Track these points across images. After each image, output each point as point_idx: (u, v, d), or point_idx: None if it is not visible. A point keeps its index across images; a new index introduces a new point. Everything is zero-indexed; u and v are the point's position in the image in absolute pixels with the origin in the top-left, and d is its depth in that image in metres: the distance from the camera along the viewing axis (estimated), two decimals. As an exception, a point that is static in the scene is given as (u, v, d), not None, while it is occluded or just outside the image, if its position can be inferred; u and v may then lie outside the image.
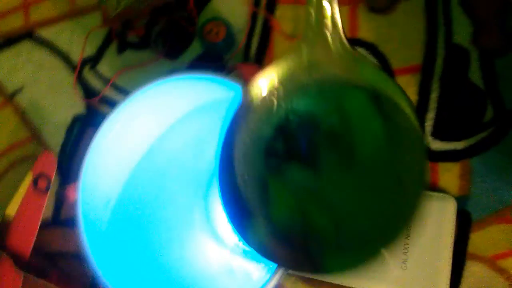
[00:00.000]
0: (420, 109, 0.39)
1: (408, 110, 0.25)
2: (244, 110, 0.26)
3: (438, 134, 0.38)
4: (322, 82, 0.26)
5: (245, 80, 0.42)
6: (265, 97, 0.26)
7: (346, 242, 0.27)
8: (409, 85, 0.40)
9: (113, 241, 0.29)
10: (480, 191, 0.37)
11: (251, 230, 0.25)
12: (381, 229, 0.26)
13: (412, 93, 0.39)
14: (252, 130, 0.26)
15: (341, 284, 0.38)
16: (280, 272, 0.27)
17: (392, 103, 0.25)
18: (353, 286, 0.37)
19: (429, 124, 0.39)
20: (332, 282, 0.38)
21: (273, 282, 0.25)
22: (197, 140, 0.34)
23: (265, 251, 0.25)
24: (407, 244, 0.36)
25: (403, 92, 0.25)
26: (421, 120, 0.39)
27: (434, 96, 0.39)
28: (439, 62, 0.39)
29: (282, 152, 0.26)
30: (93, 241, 0.28)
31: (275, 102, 0.26)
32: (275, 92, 0.26)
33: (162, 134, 0.30)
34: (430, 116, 0.39)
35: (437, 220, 0.36)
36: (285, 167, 0.26)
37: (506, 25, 0.38)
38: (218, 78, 0.26)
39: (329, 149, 0.26)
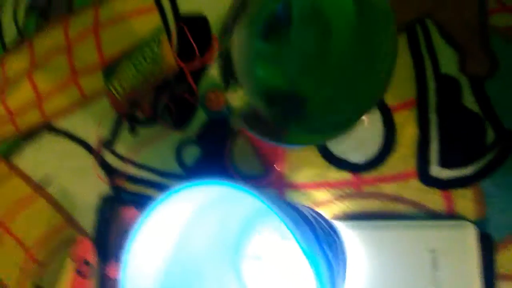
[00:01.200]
0: (423, 142, 0.40)
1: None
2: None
3: (445, 163, 0.39)
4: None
5: (252, 141, 0.44)
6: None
7: (318, 110, 0.30)
8: (408, 120, 0.41)
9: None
10: (497, 211, 0.37)
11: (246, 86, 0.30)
12: (351, 100, 0.31)
13: (412, 127, 0.40)
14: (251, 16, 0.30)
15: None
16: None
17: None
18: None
19: (434, 155, 0.40)
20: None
21: None
22: (220, 222, 0.36)
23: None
24: (437, 274, 0.37)
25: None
26: (426, 152, 0.40)
27: (433, 127, 0.40)
28: (432, 94, 0.40)
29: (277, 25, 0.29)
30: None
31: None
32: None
33: (189, 221, 0.32)
34: (434, 147, 0.40)
35: (461, 247, 0.37)
36: (279, 37, 0.29)
37: (487, 48, 0.39)
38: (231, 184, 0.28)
39: (310, 23, 0.28)
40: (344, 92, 0.31)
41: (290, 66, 0.29)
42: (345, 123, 0.33)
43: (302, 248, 0.24)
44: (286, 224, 0.25)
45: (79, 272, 0.48)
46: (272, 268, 0.39)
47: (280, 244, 0.39)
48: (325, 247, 0.29)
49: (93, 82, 0.53)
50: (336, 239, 0.36)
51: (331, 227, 0.37)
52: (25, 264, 0.54)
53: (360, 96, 0.32)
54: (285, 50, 0.28)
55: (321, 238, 0.30)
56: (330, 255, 0.30)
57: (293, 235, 0.25)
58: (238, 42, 0.30)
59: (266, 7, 0.29)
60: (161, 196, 0.29)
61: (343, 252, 0.37)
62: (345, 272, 0.36)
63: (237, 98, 0.32)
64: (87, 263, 0.48)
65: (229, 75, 0.32)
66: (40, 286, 0.52)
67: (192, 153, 0.48)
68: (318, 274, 0.24)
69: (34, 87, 0.56)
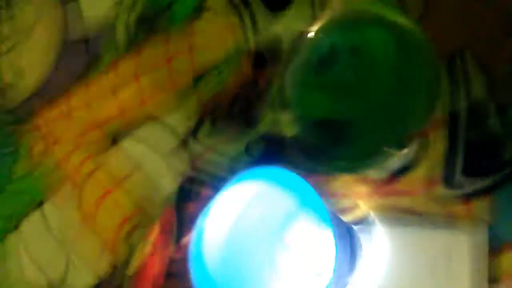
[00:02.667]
0: (451, 154, 0.47)
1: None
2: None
3: (467, 173, 0.46)
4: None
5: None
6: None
7: (361, 136, 0.36)
8: (438, 134, 0.48)
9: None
10: (507, 220, 0.44)
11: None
12: (392, 128, 0.37)
13: (441, 142, 0.48)
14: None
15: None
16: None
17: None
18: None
19: (459, 166, 0.47)
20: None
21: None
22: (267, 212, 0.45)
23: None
24: (450, 269, 0.44)
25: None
26: (453, 163, 0.47)
27: (461, 142, 0.47)
28: (463, 114, 0.47)
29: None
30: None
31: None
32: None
33: (249, 202, 0.42)
34: (459, 159, 0.47)
35: (472, 247, 0.44)
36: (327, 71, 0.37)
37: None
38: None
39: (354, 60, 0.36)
40: (385, 119, 0.38)
41: (336, 95, 0.37)
42: (384, 152, 0.40)
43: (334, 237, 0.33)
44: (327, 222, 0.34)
45: (149, 251, 0.59)
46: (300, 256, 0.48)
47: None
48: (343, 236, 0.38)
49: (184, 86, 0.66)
50: (349, 234, 0.44)
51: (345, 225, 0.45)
52: (105, 245, 0.65)
53: (401, 123, 0.39)
54: (331, 81, 0.37)
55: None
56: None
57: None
58: (292, 77, 0.39)
59: (316, 49, 0.38)
60: (231, 179, 0.39)
61: (354, 247, 0.44)
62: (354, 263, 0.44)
63: (288, 124, 0.42)
64: (156, 243, 0.59)
65: (282, 105, 0.41)
66: (115, 264, 0.63)
67: (259, 148, 0.58)
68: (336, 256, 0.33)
69: (139, 90, 0.70)
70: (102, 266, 0.64)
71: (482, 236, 0.43)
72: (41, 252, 0.70)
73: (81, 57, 0.77)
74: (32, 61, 0.82)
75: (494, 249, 0.44)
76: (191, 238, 0.39)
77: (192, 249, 0.39)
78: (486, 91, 0.47)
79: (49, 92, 0.79)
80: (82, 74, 0.76)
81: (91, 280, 0.65)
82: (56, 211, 0.71)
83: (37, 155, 0.76)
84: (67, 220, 0.69)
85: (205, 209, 0.39)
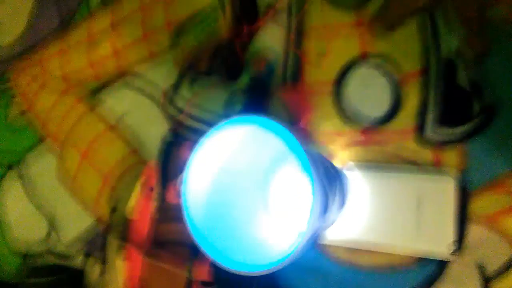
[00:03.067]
0: (423, 107, 0.49)
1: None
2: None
3: (438, 126, 0.48)
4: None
5: (284, 100, 0.54)
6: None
7: None
8: (413, 88, 0.49)
9: (206, 225, 0.43)
10: (475, 168, 0.46)
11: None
12: None
13: (416, 94, 0.49)
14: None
15: (371, 248, 0.49)
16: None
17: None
18: (380, 249, 0.49)
19: (430, 119, 0.48)
20: (364, 248, 0.49)
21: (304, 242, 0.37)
22: (255, 153, 0.47)
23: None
24: (419, 214, 0.47)
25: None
26: (424, 116, 0.49)
27: (432, 96, 0.49)
28: (433, 69, 0.49)
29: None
30: (193, 226, 0.42)
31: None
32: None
33: (232, 152, 0.43)
34: (431, 111, 0.48)
35: (442, 194, 0.46)
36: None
37: (484, 37, 0.47)
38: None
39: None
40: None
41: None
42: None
43: (306, 173, 0.35)
44: (297, 157, 0.36)
45: (145, 195, 0.61)
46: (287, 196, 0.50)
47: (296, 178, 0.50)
48: (323, 178, 0.40)
49: (163, 39, 0.65)
50: (337, 176, 0.46)
51: (335, 168, 0.47)
52: (102, 188, 0.68)
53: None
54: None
55: (322, 171, 0.40)
56: (326, 184, 0.40)
57: (301, 165, 0.35)
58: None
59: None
60: (211, 129, 0.40)
61: (342, 186, 0.47)
62: (343, 201, 0.46)
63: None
64: (151, 188, 0.61)
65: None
66: (113, 206, 0.67)
67: (239, 102, 0.59)
68: (313, 196, 0.35)
69: (113, 44, 0.69)
70: (101, 205, 0.67)
71: (452, 183, 0.46)
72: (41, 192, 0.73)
73: (54, 15, 0.75)
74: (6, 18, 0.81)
75: (464, 194, 0.46)
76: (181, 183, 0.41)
77: (181, 193, 0.41)
78: (462, 43, 0.48)
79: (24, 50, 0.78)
80: (56, 30, 0.75)
81: (90, 220, 0.68)
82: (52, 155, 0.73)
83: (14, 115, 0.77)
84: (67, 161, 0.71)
85: (193, 153, 0.40)
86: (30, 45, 0.78)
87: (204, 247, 0.40)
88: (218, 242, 0.42)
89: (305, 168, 0.35)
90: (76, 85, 0.72)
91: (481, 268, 0.45)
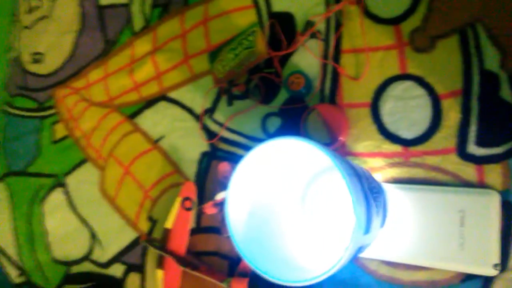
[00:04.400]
0: (464, 124, 0.48)
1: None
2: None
3: (480, 142, 0.47)
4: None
5: (323, 116, 0.54)
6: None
7: None
8: (453, 106, 0.49)
9: (247, 237, 0.43)
10: (520, 185, 0.45)
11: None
12: None
13: (456, 112, 0.49)
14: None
15: (413, 263, 0.48)
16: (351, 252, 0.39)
17: None
18: (423, 264, 0.48)
19: (472, 135, 0.48)
20: (406, 262, 0.49)
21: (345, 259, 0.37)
22: (295, 168, 0.48)
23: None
24: (463, 230, 0.46)
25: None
26: (466, 133, 0.48)
27: (474, 113, 0.48)
28: (476, 85, 0.48)
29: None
30: (237, 238, 0.42)
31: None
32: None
33: (273, 167, 0.44)
34: (473, 128, 0.48)
35: (486, 210, 0.45)
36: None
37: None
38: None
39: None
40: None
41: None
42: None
43: (349, 191, 0.35)
44: (341, 172, 0.36)
45: (183, 207, 0.62)
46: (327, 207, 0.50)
47: (335, 192, 0.50)
48: (368, 195, 0.40)
49: (201, 63, 0.67)
50: (381, 195, 0.46)
51: (376, 183, 0.47)
52: (142, 201, 0.70)
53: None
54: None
55: (367, 188, 0.40)
56: (372, 203, 0.40)
57: (345, 181, 0.36)
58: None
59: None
60: (250, 152, 0.41)
61: (384, 203, 0.47)
62: (385, 216, 0.46)
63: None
64: (190, 200, 0.62)
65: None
66: (152, 217, 0.68)
67: (274, 123, 0.60)
68: (357, 214, 0.35)
69: (155, 66, 0.72)
70: (142, 218, 0.69)
71: (496, 198, 0.45)
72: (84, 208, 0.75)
73: (98, 39, 0.78)
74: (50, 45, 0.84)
75: (508, 213, 0.45)
76: (224, 196, 0.42)
77: (225, 207, 0.42)
78: (498, 63, 0.47)
79: (68, 76, 0.82)
80: (101, 55, 0.78)
81: (131, 232, 0.70)
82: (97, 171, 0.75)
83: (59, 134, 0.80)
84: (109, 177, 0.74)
85: (235, 169, 0.41)
86: (75, 71, 0.81)
87: (248, 260, 0.40)
88: (259, 255, 0.42)
89: (349, 182, 0.35)
90: (119, 106, 0.75)
91: (528, 287, 0.44)
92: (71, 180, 0.78)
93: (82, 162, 0.77)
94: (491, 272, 0.44)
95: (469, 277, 0.46)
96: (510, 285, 0.44)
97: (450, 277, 0.47)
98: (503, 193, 0.45)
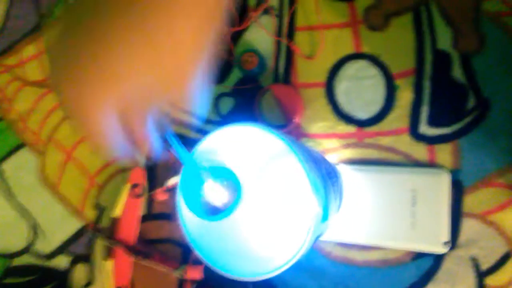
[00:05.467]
0: (417, 104, 0.48)
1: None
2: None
3: (432, 122, 0.47)
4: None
5: (278, 97, 0.53)
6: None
7: None
8: (406, 85, 0.49)
9: (199, 226, 0.41)
10: (469, 164, 0.46)
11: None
12: None
13: (409, 92, 0.48)
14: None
15: (367, 244, 0.49)
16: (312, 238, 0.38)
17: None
18: (376, 244, 0.48)
19: (424, 116, 0.48)
20: (360, 243, 0.49)
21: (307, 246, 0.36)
22: (250, 153, 0.46)
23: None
24: (414, 209, 0.46)
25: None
26: (418, 113, 0.48)
27: (426, 92, 0.48)
28: (428, 65, 0.48)
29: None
30: (187, 228, 0.40)
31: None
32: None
33: (225, 153, 0.42)
34: (425, 108, 0.48)
35: (437, 189, 0.46)
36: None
37: (477, 29, 0.46)
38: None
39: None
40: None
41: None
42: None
43: (308, 178, 0.34)
44: (297, 156, 0.34)
45: (132, 194, 0.59)
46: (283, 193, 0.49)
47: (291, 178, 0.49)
48: (327, 181, 0.39)
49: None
50: (338, 179, 0.45)
51: (333, 168, 0.46)
52: (88, 187, 0.65)
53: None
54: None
55: (325, 174, 0.39)
56: (331, 188, 0.39)
57: (302, 165, 0.34)
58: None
59: None
60: (203, 138, 0.38)
61: (340, 187, 0.46)
62: (341, 200, 0.45)
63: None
64: (139, 186, 0.59)
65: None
66: (99, 205, 0.64)
67: (227, 104, 0.57)
68: (318, 196, 0.34)
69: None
70: (87, 207, 0.65)
71: (447, 178, 0.45)
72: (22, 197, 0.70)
73: (31, 14, 0.71)
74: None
75: (459, 190, 0.46)
76: (176, 181, 0.40)
77: (176, 193, 0.39)
78: (451, 43, 0.47)
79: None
80: (34, 31, 0.70)
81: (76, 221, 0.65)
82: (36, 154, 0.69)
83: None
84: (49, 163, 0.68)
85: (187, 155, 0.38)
86: (6, 47, 0.73)
87: (198, 250, 0.38)
88: (212, 244, 0.40)
89: (306, 168, 0.34)
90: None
91: (475, 263, 0.45)
92: (8, 166, 0.71)
93: (19, 147, 0.70)
94: (441, 249, 0.45)
95: (420, 255, 0.47)
96: (459, 262, 0.45)
97: (402, 255, 0.48)
98: (453, 172, 0.46)
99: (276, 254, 0.39)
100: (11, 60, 0.72)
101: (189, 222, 0.40)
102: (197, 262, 0.55)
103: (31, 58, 0.71)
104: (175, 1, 0.21)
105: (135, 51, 0.22)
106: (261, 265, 0.37)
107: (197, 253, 0.39)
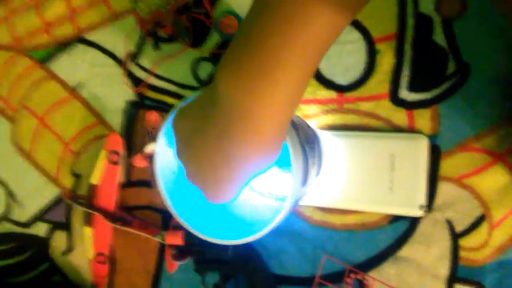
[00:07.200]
0: (397, 69, 0.47)
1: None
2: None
3: (412, 87, 0.47)
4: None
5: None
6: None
7: None
8: (387, 50, 0.48)
9: (178, 193, 0.40)
10: (447, 129, 0.46)
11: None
12: None
13: (390, 57, 0.47)
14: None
15: (346, 208, 0.49)
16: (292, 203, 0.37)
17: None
18: (355, 209, 0.49)
19: (405, 81, 0.47)
20: (339, 208, 0.49)
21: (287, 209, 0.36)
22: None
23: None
24: (392, 174, 0.46)
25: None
26: (398, 78, 0.47)
27: (407, 57, 0.47)
28: (410, 29, 0.47)
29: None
30: (168, 192, 0.39)
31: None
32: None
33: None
34: (405, 73, 0.47)
35: (415, 154, 0.46)
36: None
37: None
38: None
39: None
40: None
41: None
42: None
43: (287, 144, 0.33)
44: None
45: (110, 160, 0.57)
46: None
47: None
48: (305, 146, 0.38)
49: (121, 1, 0.59)
50: (317, 144, 0.44)
51: (313, 132, 0.45)
52: (63, 154, 0.63)
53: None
54: None
55: (303, 139, 0.38)
56: (309, 153, 0.39)
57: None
58: None
59: None
60: (180, 104, 0.37)
61: (320, 152, 0.45)
62: (320, 165, 0.45)
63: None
64: (117, 153, 0.57)
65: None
66: (76, 172, 0.62)
67: (206, 69, 0.55)
68: (295, 167, 0.33)
69: (68, 2, 0.62)
70: (63, 173, 0.63)
71: (425, 142, 0.45)
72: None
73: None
74: None
75: (436, 154, 0.46)
76: (153, 148, 0.39)
77: (154, 160, 0.39)
78: (433, 6, 0.46)
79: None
80: None
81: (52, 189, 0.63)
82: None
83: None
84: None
85: (166, 120, 0.37)
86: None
87: (179, 215, 0.38)
88: (192, 209, 0.40)
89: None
90: (28, 50, 0.65)
91: (451, 226, 0.46)
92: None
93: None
94: (417, 213, 0.45)
95: (396, 218, 0.48)
96: (435, 224, 0.46)
97: (379, 219, 0.48)
98: (432, 138, 0.46)
99: (254, 217, 0.39)
100: (-24, 22, 0.67)
101: (167, 185, 0.39)
102: (178, 227, 0.55)
103: (-2, 20, 0.66)
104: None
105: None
106: (242, 229, 0.37)
107: (177, 216, 0.38)
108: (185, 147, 0.32)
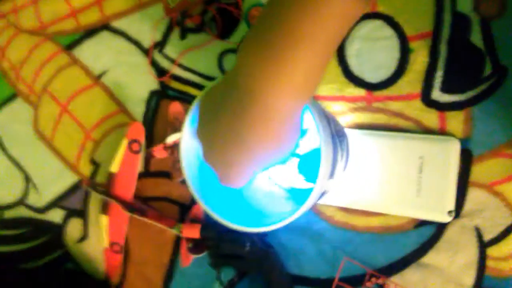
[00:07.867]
0: (431, 69, 0.46)
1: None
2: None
3: (445, 88, 0.45)
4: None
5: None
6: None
7: None
8: (421, 49, 0.46)
9: (202, 179, 0.39)
10: (480, 133, 0.44)
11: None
12: None
13: (424, 56, 0.46)
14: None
15: (370, 210, 0.47)
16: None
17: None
18: (379, 211, 0.47)
19: (438, 81, 0.46)
20: (363, 209, 0.48)
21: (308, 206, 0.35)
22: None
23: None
24: (420, 176, 0.45)
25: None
26: (432, 78, 0.46)
27: (442, 57, 0.45)
28: (446, 28, 0.45)
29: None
30: (192, 180, 0.38)
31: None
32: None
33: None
34: (439, 74, 0.45)
35: (445, 157, 0.44)
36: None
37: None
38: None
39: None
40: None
41: None
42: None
43: (319, 133, 0.32)
44: (312, 114, 0.32)
45: (131, 149, 0.56)
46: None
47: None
48: (335, 139, 0.37)
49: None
50: (345, 139, 0.43)
51: (340, 127, 0.44)
52: (83, 142, 0.63)
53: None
54: None
55: (334, 131, 0.37)
56: (338, 146, 0.37)
57: (315, 123, 0.32)
58: None
59: None
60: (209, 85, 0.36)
61: (347, 147, 0.44)
62: (347, 161, 0.44)
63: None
64: (138, 142, 0.56)
65: None
66: (95, 160, 0.62)
67: (232, 61, 0.54)
68: (325, 157, 0.32)
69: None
70: (83, 160, 0.62)
71: (456, 146, 0.44)
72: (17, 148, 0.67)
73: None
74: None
75: (467, 159, 0.45)
76: (175, 139, 0.38)
77: (179, 151, 0.38)
78: (471, 5, 0.44)
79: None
80: None
81: (71, 176, 0.63)
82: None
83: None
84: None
85: (190, 111, 0.36)
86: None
87: (205, 204, 0.37)
88: (215, 200, 0.39)
89: (319, 124, 0.32)
90: (54, 35, 0.65)
91: (479, 234, 0.44)
92: (0, 118, 0.68)
93: (12, 98, 0.67)
94: (444, 218, 0.44)
95: (422, 223, 0.46)
96: (462, 231, 0.44)
97: (404, 222, 0.47)
98: (463, 141, 0.44)
99: (279, 209, 0.38)
100: (5, 7, 0.68)
101: (193, 178, 0.38)
102: (195, 220, 0.54)
103: (25, 5, 0.66)
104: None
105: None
106: (262, 220, 0.36)
107: (200, 201, 0.37)
108: (202, 127, 0.33)
